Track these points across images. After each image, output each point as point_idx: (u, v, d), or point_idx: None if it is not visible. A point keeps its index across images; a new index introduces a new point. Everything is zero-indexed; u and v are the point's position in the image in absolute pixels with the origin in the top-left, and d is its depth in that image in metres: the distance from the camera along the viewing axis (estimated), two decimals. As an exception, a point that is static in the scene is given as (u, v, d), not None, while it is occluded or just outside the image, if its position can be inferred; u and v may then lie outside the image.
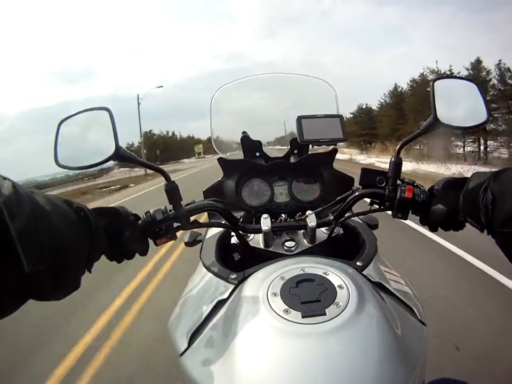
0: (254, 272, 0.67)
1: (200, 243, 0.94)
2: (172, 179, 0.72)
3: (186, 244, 1.08)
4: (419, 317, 0.64)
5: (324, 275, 0.59)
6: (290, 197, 1.06)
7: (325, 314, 0.50)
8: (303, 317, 0.50)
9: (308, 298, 0.54)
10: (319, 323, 0.49)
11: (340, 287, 0.56)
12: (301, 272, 0.60)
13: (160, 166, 0.74)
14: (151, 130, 50.68)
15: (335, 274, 0.59)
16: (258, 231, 0.83)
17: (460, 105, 0.73)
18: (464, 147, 16.06)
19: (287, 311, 0.52)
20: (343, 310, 0.51)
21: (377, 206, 0.75)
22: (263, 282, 0.59)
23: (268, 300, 0.54)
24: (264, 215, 0.84)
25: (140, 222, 0.68)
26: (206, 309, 0.65)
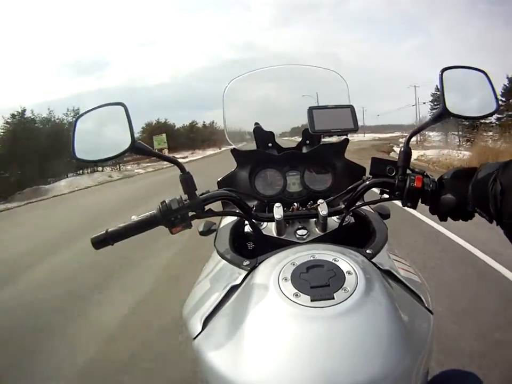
0: (266, 258, 0.69)
1: (215, 232, 0.96)
2: (187, 170, 0.74)
3: (201, 233, 1.11)
4: (426, 305, 0.65)
5: (333, 261, 0.60)
6: (302, 187, 1.07)
7: (333, 298, 0.52)
8: (312, 300, 0.52)
9: (317, 283, 0.55)
10: (327, 307, 0.51)
11: (349, 272, 0.57)
12: (311, 258, 0.62)
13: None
14: (23, 111, 23.98)
15: (344, 261, 0.60)
16: (271, 219, 0.85)
17: (469, 95, 0.73)
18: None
19: (297, 294, 0.53)
20: (351, 295, 0.52)
21: (387, 196, 0.76)
22: (275, 268, 0.61)
23: (279, 284, 0.56)
24: (277, 204, 0.85)
25: (155, 211, 0.71)
26: (220, 295, 0.67)
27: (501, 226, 0.55)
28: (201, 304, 0.69)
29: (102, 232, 0.71)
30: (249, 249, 0.94)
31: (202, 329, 0.62)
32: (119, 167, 24.64)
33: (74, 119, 0.74)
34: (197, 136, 44.51)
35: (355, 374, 0.45)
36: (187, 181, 0.74)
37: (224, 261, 0.79)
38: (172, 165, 0.75)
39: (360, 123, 0.90)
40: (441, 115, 0.70)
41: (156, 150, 0.75)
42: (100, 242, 0.71)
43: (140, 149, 0.71)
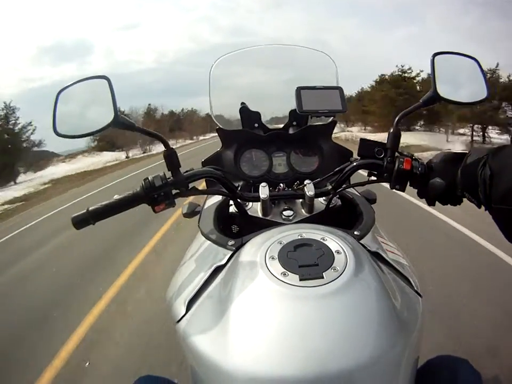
0: (252, 238, 0.67)
1: (199, 214, 0.95)
2: (171, 146, 0.73)
3: (185, 215, 1.09)
4: (415, 288, 0.65)
5: (321, 240, 0.59)
6: (288, 168, 1.07)
7: (323, 277, 0.51)
8: (300, 279, 0.51)
9: (306, 262, 0.54)
10: (316, 286, 0.50)
11: (338, 252, 0.56)
12: (299, 237, 0.60)
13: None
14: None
15: (333, 240, 0.59)
16: (257, 199, 0.83)
17: (460, 81, 0.73)
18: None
19: (285, 274, 0.52)
20: (341, 275, 0.51)
21: (375, 178, 0.76)
22: (261, 247, 0.59)
23: (266, 263, 0.55)
24: (263, 184, 0.84)
25: (138, 188, 0.69)
26: (204, 276, 0.65)
27: (490, 212, 0.55)
28: (184, 286, 0.68)
29: (83, 211, 0.68)
30: (234, 232, 0.92)
31: (186, 312, 0.60)
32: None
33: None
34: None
35: (346, 355, 0.44)
36: (171, 157, 0.72)
37: (208, 242, 0.78)
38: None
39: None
40: (432, 99, 0.70)
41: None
42: (81, 221, 0.68)
43: (122, 124, 0.68)
